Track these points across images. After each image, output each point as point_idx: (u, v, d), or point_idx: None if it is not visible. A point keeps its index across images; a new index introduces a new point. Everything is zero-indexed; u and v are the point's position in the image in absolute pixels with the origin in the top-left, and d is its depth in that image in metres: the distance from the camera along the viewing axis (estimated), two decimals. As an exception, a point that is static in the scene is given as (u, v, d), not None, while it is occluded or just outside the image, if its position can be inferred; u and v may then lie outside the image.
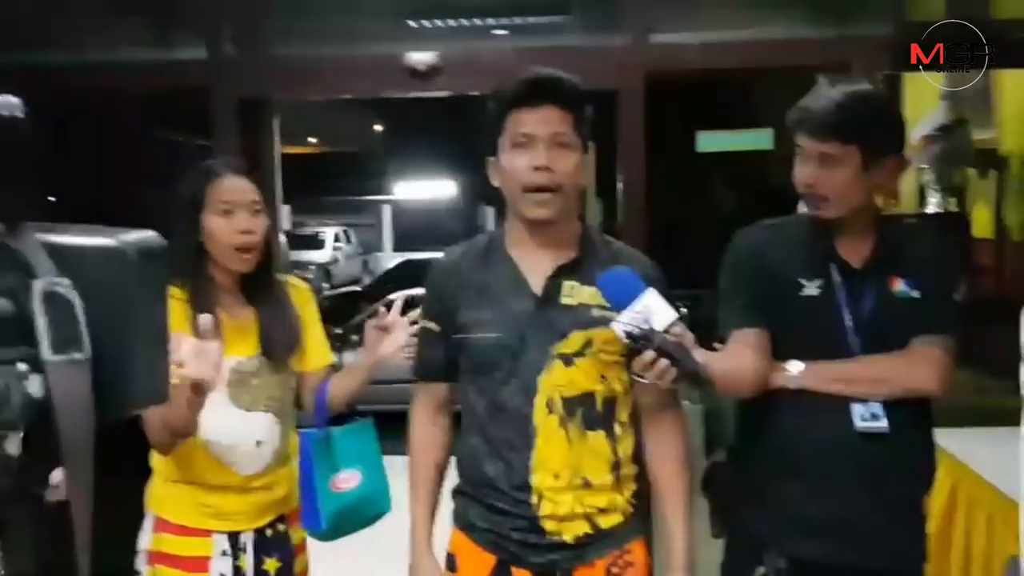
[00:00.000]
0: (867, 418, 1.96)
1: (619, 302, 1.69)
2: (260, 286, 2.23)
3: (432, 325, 1.99)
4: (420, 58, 3.64)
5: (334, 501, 2.24)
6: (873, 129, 1.96)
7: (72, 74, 3.75)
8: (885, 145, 1.99)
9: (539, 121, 1.84)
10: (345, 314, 9.33)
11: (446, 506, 2.02)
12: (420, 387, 2.07)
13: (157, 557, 2.17)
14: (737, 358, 2.01)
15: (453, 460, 2.03)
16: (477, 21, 4.13)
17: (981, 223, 4.71)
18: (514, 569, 1.89)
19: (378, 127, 23.36)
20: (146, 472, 2.24)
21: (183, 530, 2.17)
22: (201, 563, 2.16)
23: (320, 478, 2.23)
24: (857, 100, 1.95)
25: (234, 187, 2.16)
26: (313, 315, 2.37)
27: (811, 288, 2.01)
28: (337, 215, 23.72)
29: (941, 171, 4.46)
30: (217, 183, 2.16)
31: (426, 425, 2.06)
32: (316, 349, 2.35)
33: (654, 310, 1.67)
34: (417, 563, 2.00)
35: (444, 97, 4.18)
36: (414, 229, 23.46)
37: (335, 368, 2.37)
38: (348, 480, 2.27)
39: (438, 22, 4.06)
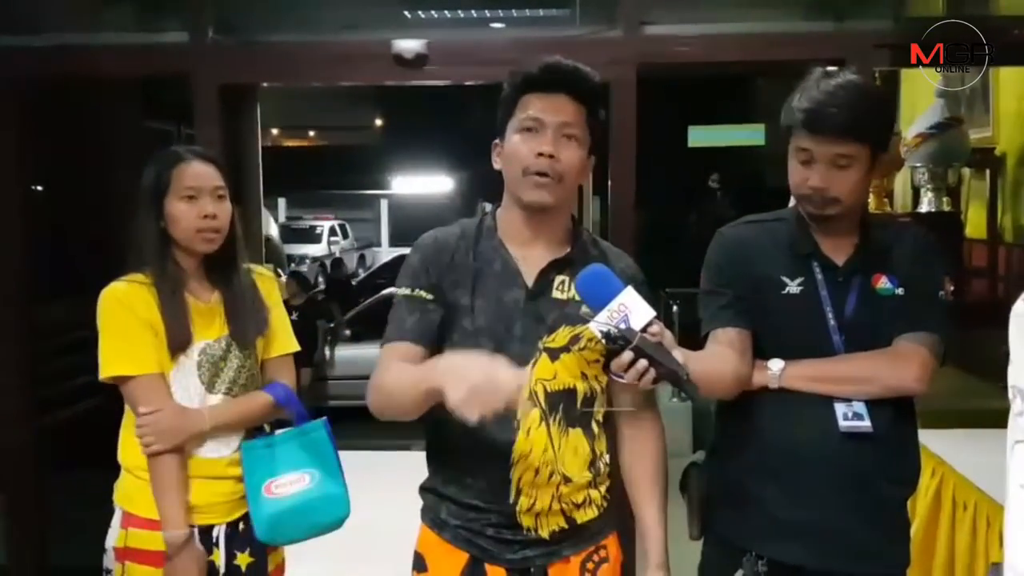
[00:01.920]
0: (850, 418, 1.92)
1: (596, 301, 1.65)
2: (225, 269, 2.24)
3: (424, 294, 1.86)
4: (408, 46, 3.58)
5: (268, 507, 2.15)
6: (879, 125, 1.94)
7: (52, 58, 3.70)
8: (886, 140, 1.96)
9: (550, 108, 1.82)
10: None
11: (414, 504, 1.97)
12: (392, 348, 1.85)
13: (126, 553, 2.15)
14: (718, 358, 1.97)
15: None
16: (473, 13, 4.10)
17: (975, 223, 4.67)
18: (488, 566, 1.85)
19: (378, 121, 23.30)
20: (114, 468, 2.21)
21: (153, 524, 2.13)
22: None
23: (252, 483, 2.16)
24: (864, 97, 1.89)
25: (198, 173, 2.17)
26: (278, 303, 2.37)
27: (793, 286, 1.98)
28: (334, 209, 23.66)
29: (935, 170, 4.41)
30: (181, 168, 2.17)
31: (399, 362, 1.82)
32: (279, 336, 2.34)
33: (632, 309, 1.63)
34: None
35: (445, 93, 4.13)
36: (411, 224, 23.34)
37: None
38: (291, 484, 2.18)
39: (433, 13, 4.02)
